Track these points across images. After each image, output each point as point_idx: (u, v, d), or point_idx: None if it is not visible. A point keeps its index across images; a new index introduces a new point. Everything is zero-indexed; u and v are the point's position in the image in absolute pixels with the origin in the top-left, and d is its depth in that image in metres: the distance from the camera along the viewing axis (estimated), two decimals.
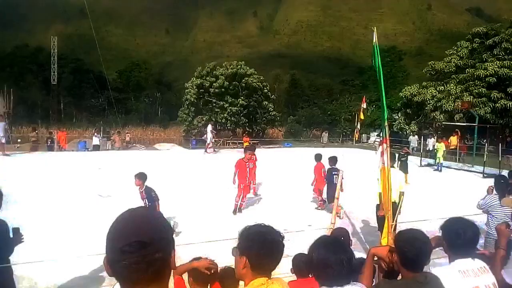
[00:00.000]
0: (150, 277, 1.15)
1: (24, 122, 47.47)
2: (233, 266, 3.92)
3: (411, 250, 2.33)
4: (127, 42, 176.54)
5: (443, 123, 29.52)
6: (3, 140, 18.95)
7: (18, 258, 4.94)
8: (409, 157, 17.03)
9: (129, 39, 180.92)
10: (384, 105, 5.06)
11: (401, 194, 7.59)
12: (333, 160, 10.40)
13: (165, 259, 1.18)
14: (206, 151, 24.78)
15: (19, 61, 66.00)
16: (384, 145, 5.25)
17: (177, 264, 2.54)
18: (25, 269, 5.69)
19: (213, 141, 25.12)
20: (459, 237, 2.54)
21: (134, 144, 33.97)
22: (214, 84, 40.63)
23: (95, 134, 27.85)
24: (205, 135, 25.88)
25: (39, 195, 11.23)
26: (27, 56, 67.86)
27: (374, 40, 5.06)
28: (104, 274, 5.94)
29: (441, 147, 20.07)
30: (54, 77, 49.77)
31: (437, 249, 2.67)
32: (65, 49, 76.46)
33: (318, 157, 11.26)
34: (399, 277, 2.46)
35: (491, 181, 6.63)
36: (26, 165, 16.70)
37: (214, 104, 41.00)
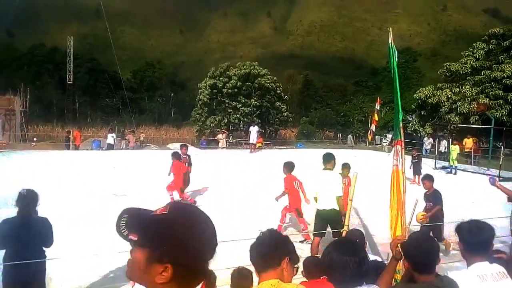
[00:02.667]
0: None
1: (40, 121, 48.19)
2: (246, 266, 3.95)
3: (419, 254, 2.35)
4: (141, 42, 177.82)
5: (458, 125, 29.15)
6: (0, 137, 19.24)
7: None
8: (424, 159, 16.88)
9: (144, 40, 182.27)
10: (399, 106, 5.01)
11: (339, 198, 6.79)
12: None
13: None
14: (251, 151, 25.04)
15: (36, 60, 67.08)
16: (398, 146, 5.16)
17: None
18: None
19: (254, 142, 25.73)
20: (474, 236, 2.52)
21: (148, 144, 34.22)
22: (227, 84, 40.76)
23: (110, 133, 28.12)
24: (249, 136, 26.42)
25: (54, 194, 11.36)
26: (43, 56, 68.94)
27: (390, 41, 5.02)
28: (118, 272, 6.00)
29: (455, 149, 19.78)
30: (69, 76, 50.50)
31: (453, 252, 2.64)
32: (80, 49, 77.36)
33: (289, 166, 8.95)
34: None
35: (507, 185, 6.55)
36: (41, 164, 16.92)
37: (227, 105, 41.12)
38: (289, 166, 8.84)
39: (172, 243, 1.04)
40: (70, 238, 7.69)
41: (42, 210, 8.95)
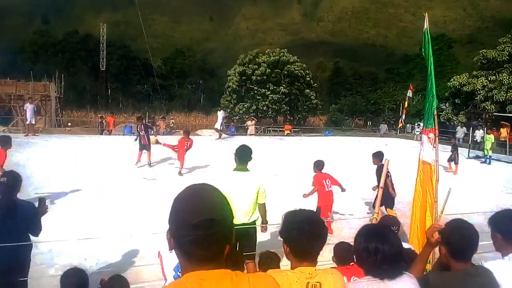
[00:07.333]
0: (211, 254, 1.20)
1: (74, 106, 49.42)
2: (272, 250, 3.98)
3: (459, 240, 2.30)
4: (172, 29, 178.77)
5: (494, 114, 28.24)
6: (33, 121, 20.16)
7: (69, 235, 5.18)
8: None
9: (174, 27, 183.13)
10: (434, 93, 4.84)
11: (261, 207, 5.02)
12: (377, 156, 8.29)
13: (228, 237, 1.24)
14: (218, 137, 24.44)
15: (70, 47, 68.44)
16: (431, 134, 4.88)
17: None
18: (75, 246, 5.98)
19: (222, 128, 25.02)
20: (511, 225, 2.45)
21: (177, 130, 34.61)
22: (256, 71, 40.66)
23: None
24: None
25: (87, 177, 11.69)
26: (77, 43, 70.24)
27: (426, 26, 4.87)
28: (148, 252, 6.14)
29: (489, 138, 19.18)
30: (102, 63, 51.50)
31: (486, 242, 2.58)
32: (113, 36, 78.53)
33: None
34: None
35: None
36: (75, 148, 17.40)
37: (256, 92, 41.08)
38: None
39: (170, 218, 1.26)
40: (102, 220, 7.92)
41: (75, 193, 9.23)
